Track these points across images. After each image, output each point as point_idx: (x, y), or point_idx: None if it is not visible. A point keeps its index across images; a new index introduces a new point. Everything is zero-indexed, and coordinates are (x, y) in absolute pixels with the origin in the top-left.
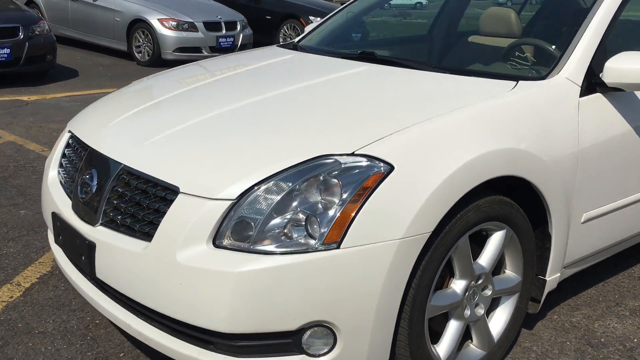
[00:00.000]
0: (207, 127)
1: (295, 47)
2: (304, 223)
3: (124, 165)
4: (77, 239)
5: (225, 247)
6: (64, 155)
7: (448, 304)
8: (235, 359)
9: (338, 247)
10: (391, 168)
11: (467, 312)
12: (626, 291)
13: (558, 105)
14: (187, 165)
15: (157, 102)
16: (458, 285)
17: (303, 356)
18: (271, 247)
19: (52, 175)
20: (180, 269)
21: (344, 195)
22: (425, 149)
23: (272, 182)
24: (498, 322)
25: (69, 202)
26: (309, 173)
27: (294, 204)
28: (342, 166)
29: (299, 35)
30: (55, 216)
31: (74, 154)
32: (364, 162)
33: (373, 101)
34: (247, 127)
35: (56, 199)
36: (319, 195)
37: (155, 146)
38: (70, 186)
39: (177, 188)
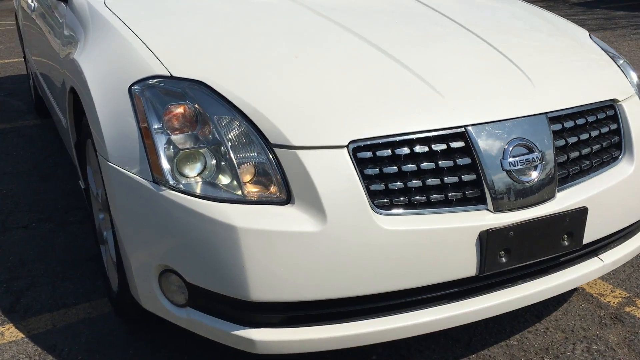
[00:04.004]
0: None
1: None
2: None
3: (547, 113)
4: (550, 226)
5: None
6: (369, 179)
7: None
8: None
9: None
10: None
11: None
12: None
13: None
14: (586, 80)
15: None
16: None
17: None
18: None
19: (389, 222)
20: None
21: None
22: None
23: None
24: None
25: (482, 212)
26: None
27: None
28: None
29: None
30: (495, 233)
31: (408, 161)
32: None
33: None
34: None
35: (467, 222)
36: None
37: (544, 73)
38: (430, 202)
39: (617, 102)
